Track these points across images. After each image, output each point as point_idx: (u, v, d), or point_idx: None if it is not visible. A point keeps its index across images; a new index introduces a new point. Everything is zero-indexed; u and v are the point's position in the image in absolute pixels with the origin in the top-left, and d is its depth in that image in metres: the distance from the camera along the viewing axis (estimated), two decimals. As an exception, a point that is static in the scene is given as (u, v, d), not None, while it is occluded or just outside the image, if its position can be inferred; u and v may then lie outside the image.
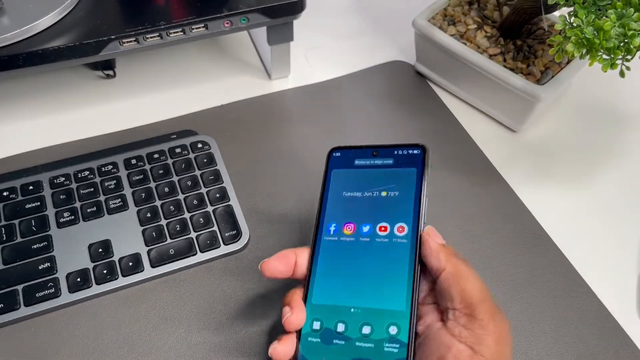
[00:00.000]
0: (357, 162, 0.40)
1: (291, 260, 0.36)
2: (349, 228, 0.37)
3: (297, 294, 0.36)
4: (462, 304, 0.31)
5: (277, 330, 0.42)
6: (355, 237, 0.37)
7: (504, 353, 0.31)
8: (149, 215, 0.46)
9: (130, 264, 0.44)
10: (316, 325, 0.35)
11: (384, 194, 0.38)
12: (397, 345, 0.33)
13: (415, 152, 0.39)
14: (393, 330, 0.33)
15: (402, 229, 0.36)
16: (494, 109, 0.56)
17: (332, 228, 0.38)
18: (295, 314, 0.34)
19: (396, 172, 0.38)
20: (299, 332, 0.35)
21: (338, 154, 0.40)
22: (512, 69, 0.52)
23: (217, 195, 0.48)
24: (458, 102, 0.58)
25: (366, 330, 0.34)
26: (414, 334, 0.33)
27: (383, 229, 0.37)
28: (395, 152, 0.39)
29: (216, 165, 0.50)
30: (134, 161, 0.49)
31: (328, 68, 0.61)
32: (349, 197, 0.39)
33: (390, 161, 0.39)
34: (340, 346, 0.34)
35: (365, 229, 0.37)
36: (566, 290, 0.45)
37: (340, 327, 0.35)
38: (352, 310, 0.35)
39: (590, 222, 0.49)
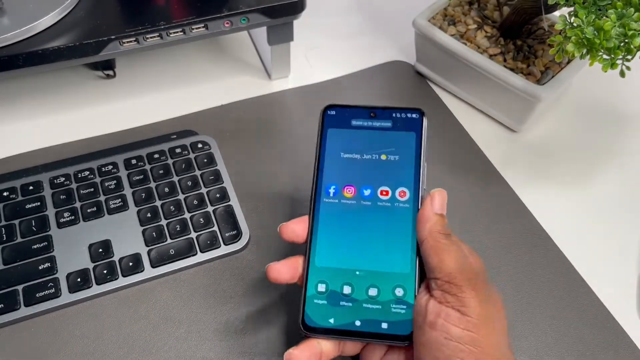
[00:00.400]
0: (354, 122, 0.39)
1: (307, 224, 0.37)
2: (349, 191, 0.38)
3: (296, 257, 0.37)
4: (441, 273, 0.33)
5: (278, 331, 0.42)
6: (356, 200, 0.37)
7: (491, 313, 0.32)
8: (149, 215, 0.46)
9: (131, 264, 0.44)
10: (321, 287, 0.36)
11: (383, 157, 0.38)
12: (404, 307, 0.34)
13: (413, 116, 0.38)
14: (399, 292, 0.35)
15: (403, 194, 0.37)
16: (494, 109, 0.56)
17: (332, 190, 0.38)
18: (280, 264, 0.36)
19: (395, 135, 0.38)
20: (304, 295, 0.35)
21: (333, 112, 0.39)
22: (512, 69, 0.52)
23: (217, 195, 0.48)
24: (458, 102, 0.58)
25: (373, 292, 0.35)
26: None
27: (384, 193, 0.37)
28: (394, 115, 0.39)
29: (216, 165, 0.50)
30: (134, 161, 0.49)
31: (328, 68, 0.61)
32: (348, 158, 0.38)
33: (388, 124, 0.39)
34: (347, 308, 0.35)
35: (367, 192, 0.37)
36: (566, 290, 0.45)
37: (347, 289, 0.35)
38: (358, 272, 0.35)
39: (590, 222, 0.49)
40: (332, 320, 0.35)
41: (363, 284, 0.35)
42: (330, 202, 0.37)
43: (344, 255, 0.36)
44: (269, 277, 0.36)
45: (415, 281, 0.35)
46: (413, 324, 0.34)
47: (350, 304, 0.35)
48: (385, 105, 0.39)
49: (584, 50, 0.39)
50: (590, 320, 0.43)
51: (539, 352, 0.41)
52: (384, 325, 0.34)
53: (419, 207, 0.36)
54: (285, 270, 0.36)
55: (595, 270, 0.46)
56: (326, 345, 0.35)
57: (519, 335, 0.42)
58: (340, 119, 0.39)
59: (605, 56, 0.39)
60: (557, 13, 0.54)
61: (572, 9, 0.40)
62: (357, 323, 0.35)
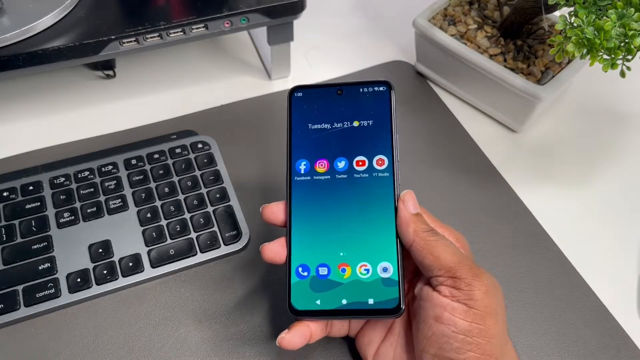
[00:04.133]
0: (322, 100, 0.38)
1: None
2: (321, 165, 0.36)
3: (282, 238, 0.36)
4: (440, 270, 0.32)
5: (280, 330, 0.42)
6: (330, 175, 0.36)
7: (495, 303, 0.32)
8: (149, 215, 0.46)
9: (131, 264, 0.44)
10: (304, 272, 0.35)
11: (356, 123, 0.37)
12: (390, 284, 0.34)
13: (381, 88, 0.37)
14: (384, 269, 0.34)
15: (382, 162, 0.36)
16: (494, 109, 0.56)
17: (303, 166, 0.36)
18: (274, 244, 0.36)
19: (365, 107, 0.37)
20: (289, 281, 0.35)
21: (300, 94, 0.38)
22: (512, 69, 0.52)
23: (217, 195, 0.48)
24: (458, 102, 0.58)
25: (357, 271, 0.35)
26: (403, 271, 0.34)
27: (361, 163, 0.36)
28: (361, 90, 0.38)
29: (216, 166, 0.50)
30: (134, 161, 0.49)
31: (328, 68, 0.61)
32: (317, 133, 0.37)
33: (356, 98, 0.37)
34: (333, 289, 0.35)
35: (341, 164, 0.36)
36: (566, 290, 0.45)
37: (330, 272, 0.35)
38: (341, 254, 0.35)
39: (590, 222, 0.49)
40: (318, 302, 0.35)
41: (347, 264, 0.35)
42: (302, 180, 0.36)
43: (324, 237, 0.35)
44: (265, 257, 0.36)
45: (397, 256, 0.34)
46: (415, 318, 0.34)
47: (335, 286, 0.35)
48: (351, 80, 0.38)
49: (584, 51, 0.39)
50: (590, 320, 0.43)
51: (539, 352, 0.41)
52: (371, 301, 0.34)
53: (397, 181, 0.35)
54: (280, 248, 0.36)
55: (595, 270, 0.46)
56: (315, 327, 0.36)
57: (519, 335, 0.42)
58: (308, 99, 0.38)
59: (605, 56, 0.39)
60: (557, 13, 0.54)
61: (572, 9, 0.40)
62: (344, 302, 0.34)
